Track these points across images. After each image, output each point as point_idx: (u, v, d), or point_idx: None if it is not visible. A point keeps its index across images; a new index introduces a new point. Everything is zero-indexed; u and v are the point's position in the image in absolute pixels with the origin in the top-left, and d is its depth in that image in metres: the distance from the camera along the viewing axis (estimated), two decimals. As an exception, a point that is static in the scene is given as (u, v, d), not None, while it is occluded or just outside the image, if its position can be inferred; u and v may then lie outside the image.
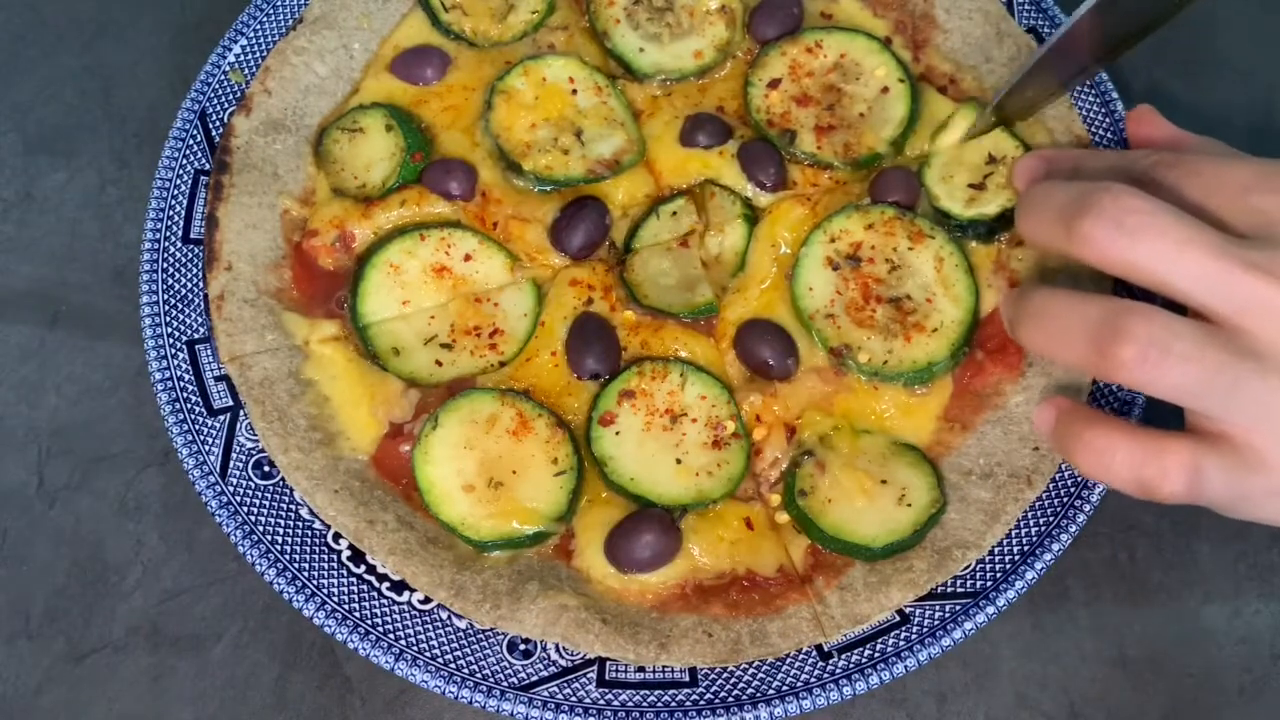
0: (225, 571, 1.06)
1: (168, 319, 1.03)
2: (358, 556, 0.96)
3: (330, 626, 0.92)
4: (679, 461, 0.99)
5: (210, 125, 1.12)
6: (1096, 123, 1.13)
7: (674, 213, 1.11)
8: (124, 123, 1.28)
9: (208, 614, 1.05)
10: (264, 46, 1.16)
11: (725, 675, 0.92)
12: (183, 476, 1.01)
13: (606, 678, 0.92)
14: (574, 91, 1.15)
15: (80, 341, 1.17)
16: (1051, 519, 0.97)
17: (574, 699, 0.91)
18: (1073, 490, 0.98)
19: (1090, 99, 1.14)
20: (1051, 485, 0.98)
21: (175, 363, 1.02)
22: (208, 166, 1.10)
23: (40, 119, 1.28)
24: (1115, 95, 1.14)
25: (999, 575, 0.95)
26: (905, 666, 0.92)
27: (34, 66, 1.31)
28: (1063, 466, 0.99)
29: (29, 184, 1.25)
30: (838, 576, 0.95)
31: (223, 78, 1.14)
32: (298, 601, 0.93)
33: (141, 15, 1.34)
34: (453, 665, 0.92)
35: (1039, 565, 0.95)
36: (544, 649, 0.93)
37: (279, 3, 1.18)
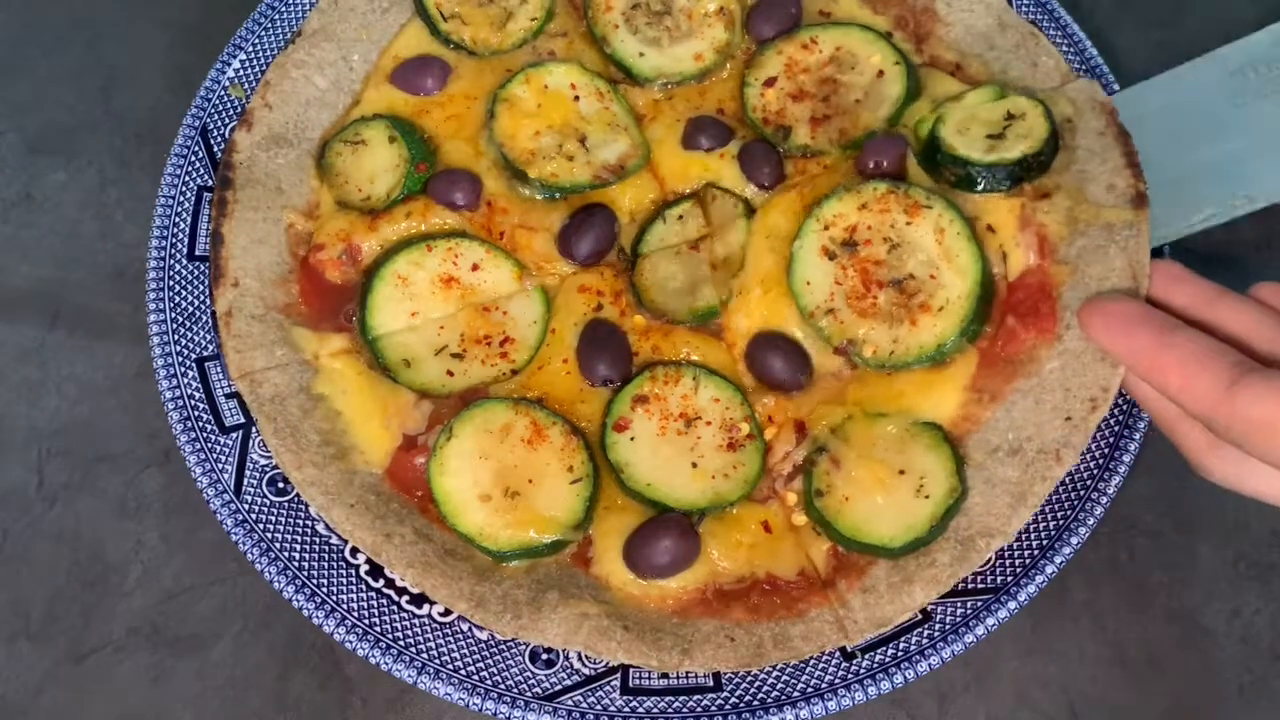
0: (225, 571, 1.06)
1: (176, 337, 1.03)
2: (376, 571, 0.96)
3: (351, 642, 0.92)
4: (695, 465, 0.99)
5: (212, 141, 1.12)
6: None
7: (680, 216, 1.11)
8: (124, 123, 1.28)
9: (208, 614, 1.05)
10: (263, 60, 1.16)
11: (749, 679, 0.92)
12: (183, 476, 1.02)
13: (630, 685, 0.92)
14: (576, 98, 1.15)
15: (80, 341, 1.17)
16: (1069, 512, 0.97)
17: (599, 707, 0.91)
18: (1089, 483, 0.98)
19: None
20: (1068, 477, 0.98)
21: (185, 381, 1.01)
22: (210, 183, 1.10)
23: (40, 119, 1.28)
24: (1117, 89, 1.15)
25: (1019, 570, 0.95)
26: (929, 664, 0.92)
27: (34, 66, 1.31)
28: (1096, 439, 0.98)
29: (29, 184, 1.25)
30: (860, 578, 0.94)
31: (222, 93, 1.14)
32: (317, 618, 0.92)
33: (141, 15, 1.34)
34: (476, 677, 0.91)
35: (1058, 559, 0.95)
36: (566, 658, 0.93)
37: (277, 16, 1.18)
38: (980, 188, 1.02)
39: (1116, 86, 1.14)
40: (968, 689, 1.02)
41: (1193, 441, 0.85)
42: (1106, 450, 0.99)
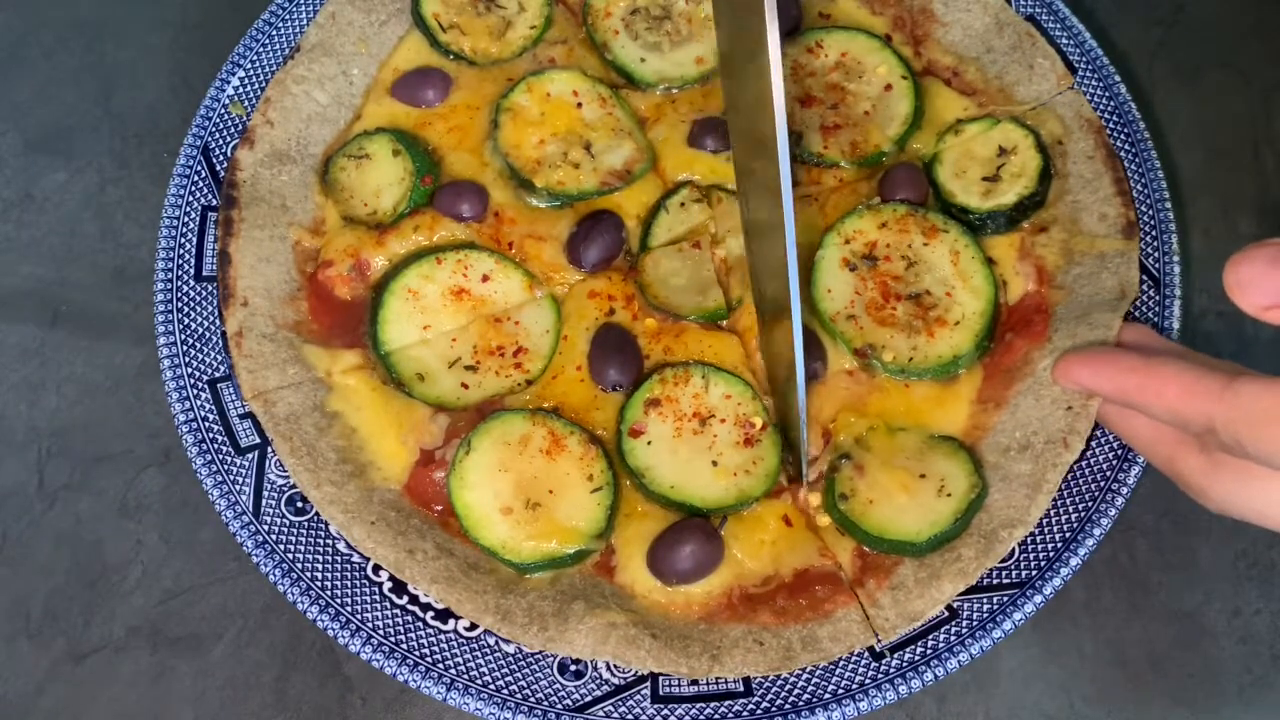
0: (225, 571, 1.06)
1: (186, 360, 1.02)
2: (399, 587, 0.95)
3: (379, 661, 0.91)
4: (715, 464, 0.99)
5: (214, 160, 1.10)
6: (1100, 106, 1.14)
7: (681, 204, 1.11)
8: (124, 123, 1.27)
9: (208, 614, 1.04)
10: (262, 77, 1.15)
11: (780, 683, 0.92)
12: (183, 476, 1.02)
13: (660, 693, 0.92)
14: (579, 105, 1.14)
15: (80, 341, 1.16)
16: (1090, 503, 0.97)
17: (630, 717, 0.90)
18: (1108, 474, 0.98)
19: (1093, 83, 1.15)
20: (1087, 469, 0.99)
21: (198, 404, 1.00)
22: (214, 202, 1.09)
23: (40, 119, 1.28)
24: (1118, 79, 1.15)
25: (1043, 564, 0.95)
26: (959, 661, 0.91)
27: (34, 66, 1.30)
28: (1099, 432, 0.99)
29: (29, 184, 1.24)
30: (888, 576, 0.95)
31: (223, 110, 1.13)
32: (343, 637, 0.91)
33: (141, 15, 1.34)
34: (505, 691, 0.91)
35: (1082, 551, 0.95)
36: (595, 668, 0.92)
37: (274, 32, 1.17)
38: (980, 233, 1.09)
39: (1118, 79, 1.15)
40: (967, 689, 1.02)
41: (1190, 467, 0.85)
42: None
